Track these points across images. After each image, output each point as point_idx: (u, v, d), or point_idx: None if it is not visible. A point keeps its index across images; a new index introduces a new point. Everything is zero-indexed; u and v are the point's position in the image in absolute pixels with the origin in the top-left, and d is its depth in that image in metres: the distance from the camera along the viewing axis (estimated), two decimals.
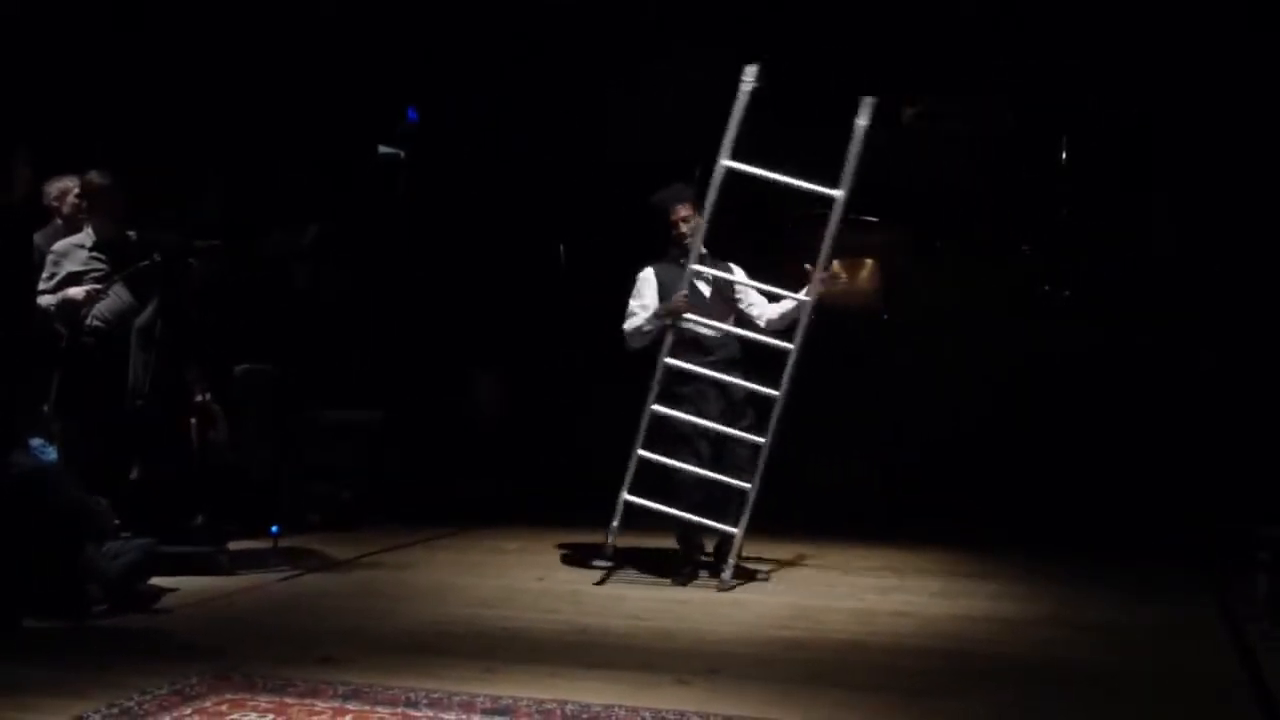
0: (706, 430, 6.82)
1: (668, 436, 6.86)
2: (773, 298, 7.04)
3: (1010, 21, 10.52)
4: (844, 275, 6.77)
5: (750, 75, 6.71)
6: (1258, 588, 6.08)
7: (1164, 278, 10.17)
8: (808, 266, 6.84)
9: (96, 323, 6.82)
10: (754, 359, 7.03)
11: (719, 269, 7.04)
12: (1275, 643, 5.74)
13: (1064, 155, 10.84)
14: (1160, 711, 4.86)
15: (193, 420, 7.24)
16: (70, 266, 6.92)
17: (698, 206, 6.93)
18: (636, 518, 6.92)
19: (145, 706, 4.47)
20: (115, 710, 4.42)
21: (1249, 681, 5.20)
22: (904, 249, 10.96)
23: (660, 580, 6.94)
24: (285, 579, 6.84)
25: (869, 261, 10.81)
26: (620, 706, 4.56)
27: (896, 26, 10.56)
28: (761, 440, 6.73)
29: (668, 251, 7.08)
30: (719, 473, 6.77)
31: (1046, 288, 10.69)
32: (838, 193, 6.75)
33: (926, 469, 9.33)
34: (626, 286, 7.18)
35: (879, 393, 9.86)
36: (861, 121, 6.64)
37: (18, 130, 8.15)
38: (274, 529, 7.37)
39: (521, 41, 10.90)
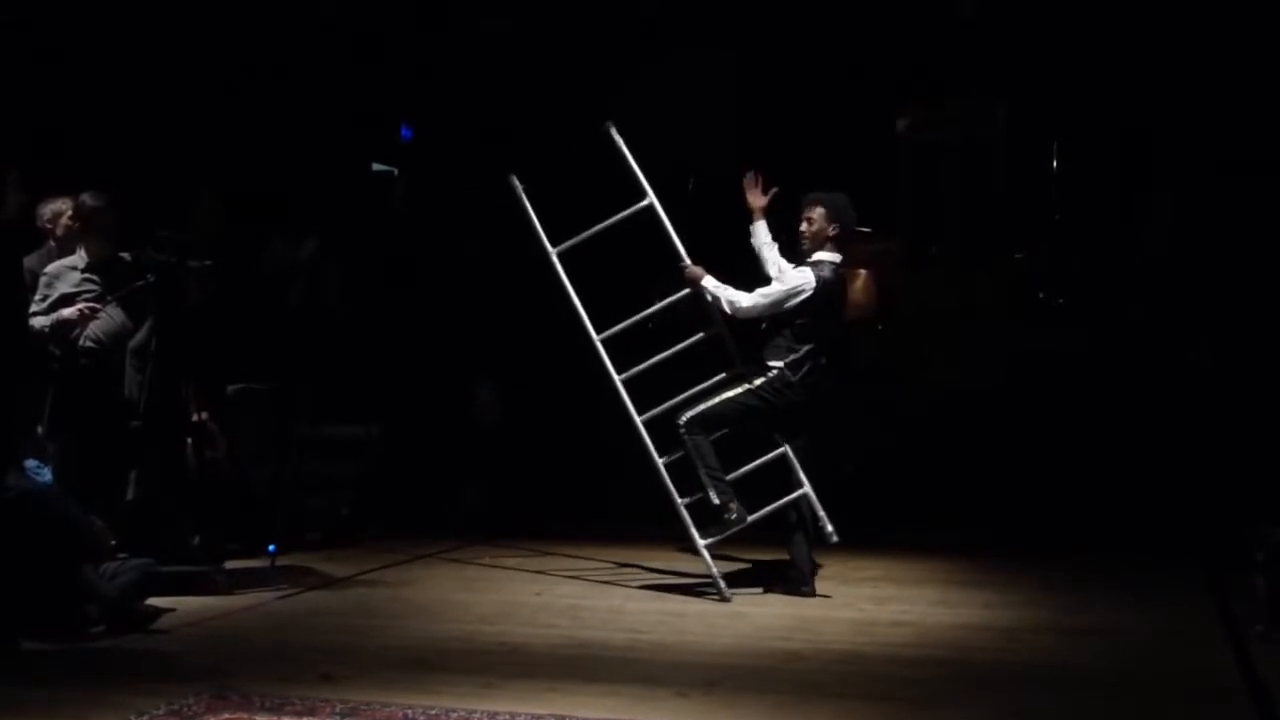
0: None
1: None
2: None
3: (1003, 29, 10.56)
4: (690, 269, 7.14)
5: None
6: (1255, 589, 6.08)
7: (1159, 280, 10.20)
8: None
9: (90, 343, 6.80)
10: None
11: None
12: (1273, 644, 5.73)
13: (1055, 162, 10.86)
14: (1159, 715, 4.87)
15: (189, 439, 7.24)
16: (63, 288, 6.90)
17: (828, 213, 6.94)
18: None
19: None
20: None
21: (1247, 684, 5.20)
22: (898, 258, 10.96)
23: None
24: (283, 597, 6.84)
25: (862, 272, 10.82)
26: None
27: (892, 33, 10.61)
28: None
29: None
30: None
31: (1041, 295, 10.70)
32: (647, 201, 7.29)
33: (922, 477, 9.32)
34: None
35: (874, 401, 9.86)
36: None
37: (9, 150, 8.15)
38: (271, 547, 7.38)
39: (513, 56, 10.93)
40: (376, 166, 11.27)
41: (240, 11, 9.79)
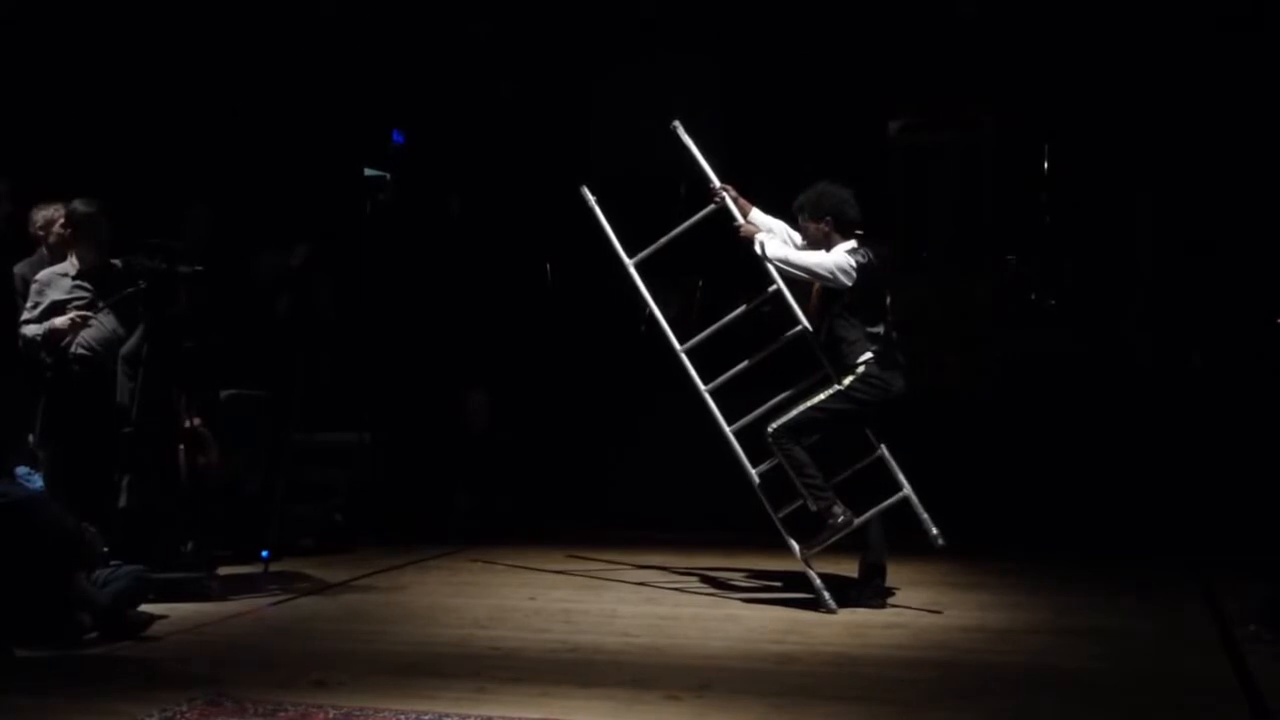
0: None
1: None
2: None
3: (995, 32, 10.58)
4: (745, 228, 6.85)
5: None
6: (1248, 590, 6.08)
7: (1150, 282, 10.22)
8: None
9: (82, 350, 6.81)
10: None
11: None
12: (1266, 646, 5.74)
13: (1047, 164, 10.88)
14: (1154, 716, 4.87)
15: (181, 446, 7.23)
16: (54, 295, 6.91)
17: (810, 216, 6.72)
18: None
19: None
20: None
21: (1240, 685, 5.20)
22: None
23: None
24: (276, 603, 6.83)
25: None
26: None
27: (883, 36, 10.63)
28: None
29: None
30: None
31: (1033, 297, 10.71)
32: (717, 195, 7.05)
33: (915, 479, 9.30)
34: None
35: None
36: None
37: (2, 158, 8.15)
38: (264, 553, 7.38)
39: (504, 60, 10.95)
40: (368, 172, 11.26)
41: (231, 17, 9.79)
